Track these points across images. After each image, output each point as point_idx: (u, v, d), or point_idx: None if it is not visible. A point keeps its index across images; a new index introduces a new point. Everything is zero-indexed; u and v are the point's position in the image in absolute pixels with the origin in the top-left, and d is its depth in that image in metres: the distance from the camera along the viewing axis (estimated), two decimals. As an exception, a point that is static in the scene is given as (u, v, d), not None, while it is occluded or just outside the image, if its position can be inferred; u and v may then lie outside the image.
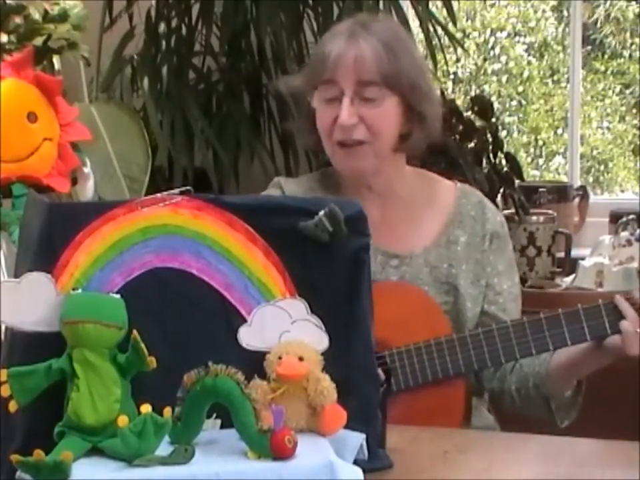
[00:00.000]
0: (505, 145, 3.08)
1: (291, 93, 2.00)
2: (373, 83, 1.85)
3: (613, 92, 4.52)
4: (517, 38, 4.67)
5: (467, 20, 4.61)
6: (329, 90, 1.87)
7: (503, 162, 2.95)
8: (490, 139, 2.93)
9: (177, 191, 1.37)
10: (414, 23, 3.09)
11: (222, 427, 1.30)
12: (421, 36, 3.06)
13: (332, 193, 1.95)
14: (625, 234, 2.87)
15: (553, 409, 1.89)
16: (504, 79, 4.60)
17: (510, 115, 4.61)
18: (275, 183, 2.01)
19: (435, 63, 3.02)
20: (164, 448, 1.22)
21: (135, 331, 1.25)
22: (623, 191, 4.46)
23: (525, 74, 4.59)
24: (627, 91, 4.50)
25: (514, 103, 4.62)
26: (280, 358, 1.29)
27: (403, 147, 1.92)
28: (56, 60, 2.20)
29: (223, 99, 3.11)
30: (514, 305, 1.96)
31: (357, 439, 1.33)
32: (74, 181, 1.73)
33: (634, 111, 4.40)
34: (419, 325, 1.84)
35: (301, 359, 1.29)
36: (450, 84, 4.47)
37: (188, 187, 1.39)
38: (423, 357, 1.79)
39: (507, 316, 1.91)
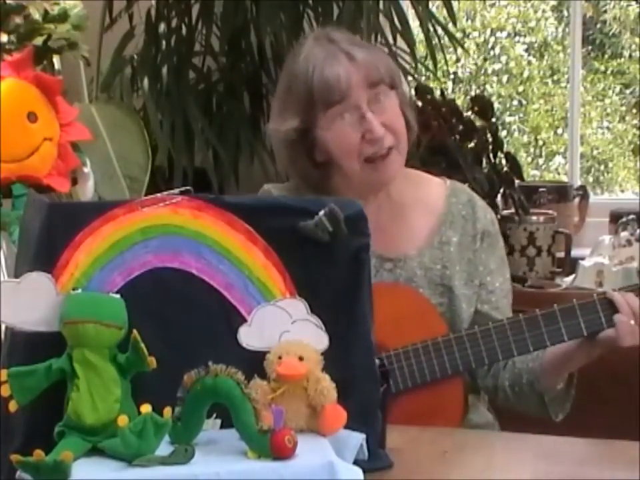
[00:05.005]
0: (505, 145, 3.08)
1: (283, 140, 1.90)
2: (380, 80, 1.86)
3: (613, 92, 4.52)
4: (517, 38, 4.67)
5: (467, 20, 4.61)
6: (340, 109, 1.84)
7: (503, 162, 2.96)
8: (490, 139, 2.93)
9: (176, 191, 1.37)
10: (414, 22, 3.08)
11: (222, 427, 1.30)
12: (421, 36, 3.07)
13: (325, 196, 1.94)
14: (625, 234, 2.87)
15: (546, 404, 1.89)
16: (504, 78, 4.60)
17: (510, 115, 4.62)
18: (265, 191, 1.99)
19: (435, 63, 3.02)
20: (164, 448, 1.22)
21: (134, 331, 1.25)
22: (622, 191, 4.47)
23: (525, 74, 4.59)
24: (627, 91, 4.50)
25: (514, 102, 4.62)
26: (280, 358, 1.29)
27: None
28: (56, 60, 2.19)
29: (222, 99, 3.10)
30: (505, 302, 1.97)
31: (357, 439, 1.33)
32: (74, 181, 1.73)
33: (634, 110, 4.40)
34: (414, 325, 1.84)
35: (300, 358, 1.29)
36: (450, 84, 4.47)
37: (188, 187, 1.39)
38: (421, 358, 1.79)
39: (500, 314, 1.91)
